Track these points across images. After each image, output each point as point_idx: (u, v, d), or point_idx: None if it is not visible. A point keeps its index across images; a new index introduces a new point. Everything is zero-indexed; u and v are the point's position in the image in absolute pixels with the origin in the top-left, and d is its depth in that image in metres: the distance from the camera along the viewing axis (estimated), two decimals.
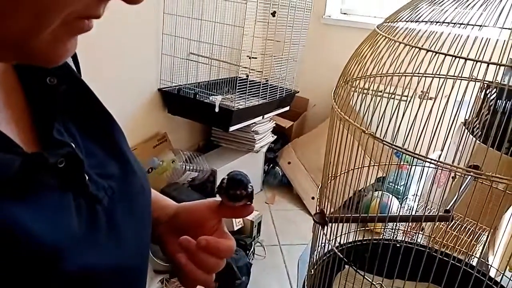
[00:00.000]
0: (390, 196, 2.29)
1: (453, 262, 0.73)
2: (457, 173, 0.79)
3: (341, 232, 0.84)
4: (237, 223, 2.16)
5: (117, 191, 0.42)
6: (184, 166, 2.31)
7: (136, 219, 0.46)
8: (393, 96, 0.73)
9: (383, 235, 0.94)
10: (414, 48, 0.67)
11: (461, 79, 0.77)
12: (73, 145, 0.38)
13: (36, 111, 0.38)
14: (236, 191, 0.51)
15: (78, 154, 0.38)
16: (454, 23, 0.74)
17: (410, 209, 1.66)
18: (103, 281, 0.39)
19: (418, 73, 0.74)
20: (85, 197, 0.39)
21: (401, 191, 2.48)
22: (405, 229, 1.29)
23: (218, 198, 0.54)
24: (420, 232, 1.19)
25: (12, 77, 0.39)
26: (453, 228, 1.24)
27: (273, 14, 2.34)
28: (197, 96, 2.32)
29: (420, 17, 0.77)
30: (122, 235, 0.42)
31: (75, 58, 0.50)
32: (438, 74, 0.74)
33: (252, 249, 2.16)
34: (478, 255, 1.09)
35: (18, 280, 0.32)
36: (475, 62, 0.66)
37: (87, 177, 0.39)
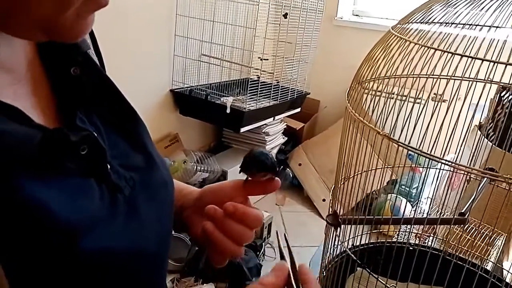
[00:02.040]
0: (403, 199, 2.27)
1: (468, 266, 0.72)
2: (472, 176, 0.78)
3: (354, 234, 0.84)
4: None
5: (138, 183, 0.43)
6: (195, 167, 2.32)
7: (157, 210, 0.46)
8: (406, 98, 0.73)
9: (396, 238, 0.93)
10: (429, 49, 0.66)
11: (477, 81, 0.76)
12: (95, 134, 0.39)
13: (61, 100, 0.40)
14: (259, 166, 0.50)
15: (99, 142, 0.39)
16: (470, 25, 0.74)
17: (422, 212, 1.64)
18: (122, 263, 0.39)
19: (433, 75, 0.74)
20: (107, 185, 0.40)
21: (413, 194, 2.45)
22: (418, 232, 1.28)
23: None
24: (433, 235, 1.17)
25: (39, 67, 0.40)
26: (467, 232, 1.22)
27: (285, 15, 2.34)
28: (209, 97, 2.33)
29: (434, 18, 0.77)
30: (142, 223, 0.43)
31: (100, 57, 0.51)
32: (453, 76, 0.74)
33: (262, 250, 2.16)
34: (493, 260, 1.07)
35: (37, 257, 0.33)
36: (490, 64, 0.65)
37: (109, 166, 0.40)
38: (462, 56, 0.62)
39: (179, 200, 0.55)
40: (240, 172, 0.53)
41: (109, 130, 0.43)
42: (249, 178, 0.53)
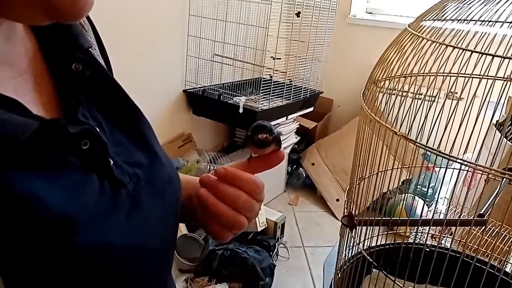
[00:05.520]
0: (417, 198, 2.24)
1: (489, 269, 0.71)
2: (490, 176, 0.76)
3: (370, 235, 0.83)
4: (261, 224, 2.16)
5: (143, 179, 0.43)
6: (208, 167, 2.32)
7: (163, 207, 0.46)
8: (423, 96, 0.71)
9: (413, 240, 0.92)
10: (448, 47, 0.65)
11: (496, 79, 0.75)
12: (98, 130, 0.39)
13: (63, 96, 0.40)
14: (260, 135, 0.49)
15: (101, 136, 0.39)
16: (488, 21, 0.72)
17: (438, 212, 1.62)
18: (123, 258, 0.39)
19: (451, 73, 0.72)
20: (110, 180, 0.39)
21: (429, 194, 2.42)
22: (434, 233, 1.26)
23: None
24: (449, 236, 1.15)
25: (40, 63, 0.40)
26: (486, 233, 1.20)
27: (298, 14, 2.33)
28: (221, 97, 2.33)
29: (452, 15, 0.75)
30: (145, 219, 0.42)
31: (106, 59, 0.51)
32: (473, 74, 0.72)
33: (275, 250, 2.16)
34: None
35: (31, 251, 0.33)
36: (511, 62, 0.64)
37: (111, 162, 0.40)
38: (481, 54, 0.61)
39: (187, 189, 0.54)
40: (243, 149, 0.53)
41: (112, 127, 0.43)
42: (253, 155, 0.52)
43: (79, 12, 0.34)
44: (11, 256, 0.32)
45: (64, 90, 0.40)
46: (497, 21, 0.72)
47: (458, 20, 0.74)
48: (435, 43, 0.67)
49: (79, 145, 0.37)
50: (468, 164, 0.59)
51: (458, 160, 0.57)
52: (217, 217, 0.48)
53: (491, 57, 0.65)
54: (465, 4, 0.69)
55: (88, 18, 0.49)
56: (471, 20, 0.73)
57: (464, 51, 0.64)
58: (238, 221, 0.48)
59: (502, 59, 0.61)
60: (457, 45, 0.64)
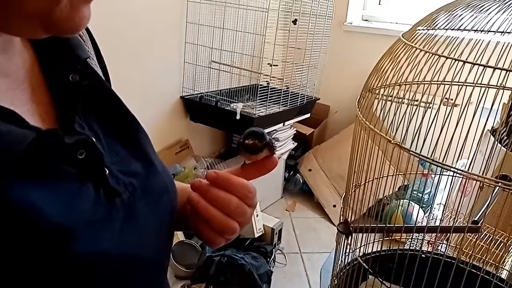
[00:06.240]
0: (414, 205, 2.24)
1: (483, 275, 0.71)
2: (485, 184, 0.77)
3: (366, 242, 0.83)
4: (258, 230, 2.16)
5: (139, 189, 0.43)
6: (205, 173, 2.32)
7: (158, 216, 0.46)
8: (418, 104, 0.72)
9: (409, 246, 0.93)
10: (441, 57, 0.66)
11: (489, 87, 0.76)
12: (94, 139, 0.40)
13: (60, 107, 0.40)
14: (251, 141, 0.50)
15: (97, 146, 0.39)
16: (481, 31, 0.73)
17: (435, 218, 1.62)
18: (117, 267, 0.39)
19: (444, 81, 0.73)
20: (105, 189, 0.40)
21: (426, 200, 2.43)
22: (430, 239, 1.26)
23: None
24: (445, 242, 1.16)
25: (38, 74, 0.41)
26: (481, 238, 1.20)
27: (294, 21, 2.34)
28: (219, 103, 2.34)
29: (446, 25, 0.76)
30: (140, 228, 0.43)
31: (104, 69, 0.52)
32: (466, 83, 0.73)
33: (272, 256, 2.15)
34: (507, 268, 1.06)
35: (28, 259, 0.33)
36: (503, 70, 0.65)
37: (107, 171, 0.40)
38: (473, 64, 0.62)
39: (182, 198, 0.54)
40: (238, 154, 0.53)
41: (109, 137, 0.44)
42: (246, 162, 0.53)
43: (76, 26, 0.34)
44: (6, 265, 0.33)
45: (61, 101, 0.40)
46: (489, 31, 0.73)
47: (451, 29, 0.75)
48: (428, 53, 0.68)
49: (75, 154, 0.37)
50: (462, 172, 0.60)
51: (452, 169, 0.58)
52: (208, 222, 0.47)
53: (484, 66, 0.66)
54: (455, 16, 0.71)
55: (86, 28, 0.49)
56: (464, 29, 0.75)
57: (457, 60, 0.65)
58: (229, 226, 0.47)
59: (494, 69, 0.62)
60: (449, 55, 0.65)
